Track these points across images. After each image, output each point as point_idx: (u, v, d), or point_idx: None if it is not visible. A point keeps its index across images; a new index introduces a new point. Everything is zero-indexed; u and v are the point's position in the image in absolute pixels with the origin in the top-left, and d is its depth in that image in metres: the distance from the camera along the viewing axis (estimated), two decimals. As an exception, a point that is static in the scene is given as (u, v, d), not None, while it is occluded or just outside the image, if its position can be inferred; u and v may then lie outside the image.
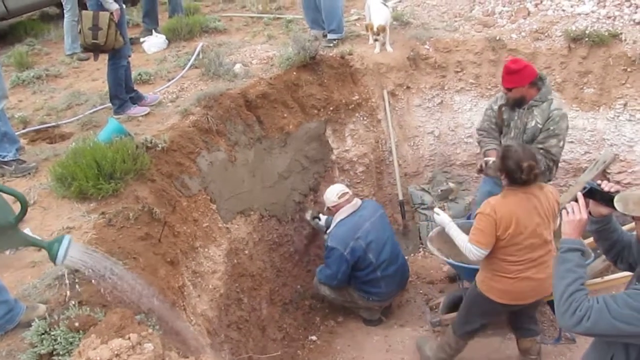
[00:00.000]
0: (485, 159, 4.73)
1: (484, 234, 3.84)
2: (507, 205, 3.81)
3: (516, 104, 4.65)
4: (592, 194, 2.68)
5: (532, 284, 3.92)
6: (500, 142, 4.84)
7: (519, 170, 3.71)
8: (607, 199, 2.61)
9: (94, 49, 4.94)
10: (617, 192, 2.58)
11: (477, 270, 4.72)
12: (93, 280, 2.92)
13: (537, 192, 3.85)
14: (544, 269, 3.85)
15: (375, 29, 6.26)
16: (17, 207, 2.60)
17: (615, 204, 2.51)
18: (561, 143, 4.64)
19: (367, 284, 5.19)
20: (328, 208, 5.37)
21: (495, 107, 4.86)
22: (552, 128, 4.56)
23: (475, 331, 4.37)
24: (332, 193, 5.27)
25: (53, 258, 2.56)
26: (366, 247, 5.05)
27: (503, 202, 3.84)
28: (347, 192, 5.29)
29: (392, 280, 5.24)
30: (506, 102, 4.72)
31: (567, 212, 2.66)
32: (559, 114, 4.57)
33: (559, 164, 4.87)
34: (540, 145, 4.59)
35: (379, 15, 6.29)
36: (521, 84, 4.52)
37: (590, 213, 2.71)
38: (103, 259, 2.90)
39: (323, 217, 5.75)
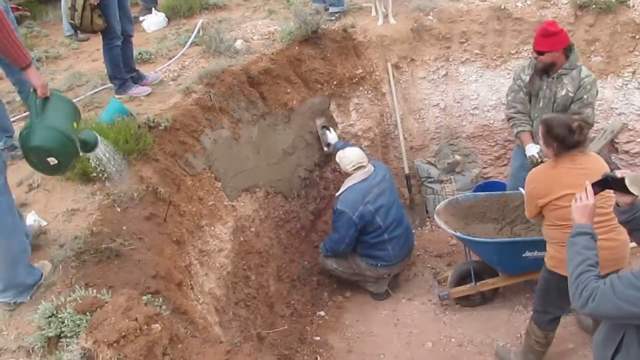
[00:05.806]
0: (530, 154, 4.58)
1: (526, 204, 3.89)
2: (546, 171, 3.76)
3: (545, 70, 4.56)
4: (609, 183, 2.66)
5: (602, 252, 3.16)
6: (530, 116, 4.77)
7: (570, 133, 3.56)
8: (623, 185, 2.53)
9: (74, 28, 5.38)
10: None
11: (484, 242, 4.72)
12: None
13: (584, 157, 3.68)
14: (614, 235, 3.54)
15: None
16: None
17: (630, 188, 2.46)
18: (594, 111, 4.63)
19: (374, 247, 5.20)
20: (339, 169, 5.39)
21: (524, 77, 4.72)
22: (585, 97, 4.52)
23: (559, 318, 4.09)
24: (349, 161, 5.20)
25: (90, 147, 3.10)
26: (375, 211, 5.08)
27: (542, 169, 3.82)
28: (363, 165, 5.21)
29: (398, 243, 5.25)
30: (535, 70, 4.61)
31: (576, 200, 2.70)
32: (589, 81, 4.53)
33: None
34: (576, 117, 4.45)
35: None
36: (555, 48, 4.44)
37: (617, 204, 2.69)
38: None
39: (333, 133, 5.83)
